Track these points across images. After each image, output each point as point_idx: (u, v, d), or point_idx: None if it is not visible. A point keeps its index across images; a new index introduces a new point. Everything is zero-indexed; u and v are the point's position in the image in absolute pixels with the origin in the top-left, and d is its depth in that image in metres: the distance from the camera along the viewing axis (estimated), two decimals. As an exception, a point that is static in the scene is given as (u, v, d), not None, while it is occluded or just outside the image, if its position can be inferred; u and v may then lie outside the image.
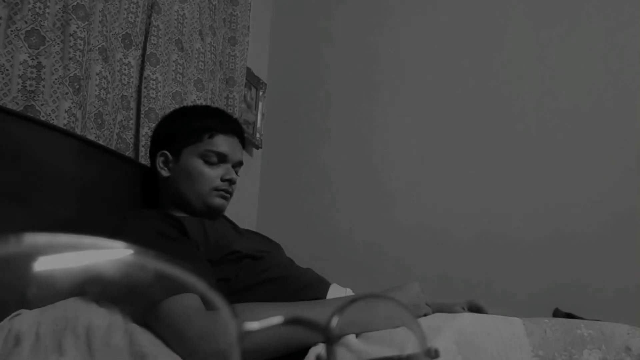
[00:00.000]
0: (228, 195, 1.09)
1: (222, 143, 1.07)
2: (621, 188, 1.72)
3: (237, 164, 1.11)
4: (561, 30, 1.87)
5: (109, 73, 1.21)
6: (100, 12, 1.18)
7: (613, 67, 1.80)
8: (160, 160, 1.09)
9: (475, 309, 1.05)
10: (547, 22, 1.90)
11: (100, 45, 1.18)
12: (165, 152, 1.09)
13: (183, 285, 0.67)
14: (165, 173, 1.08)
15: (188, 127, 1.08)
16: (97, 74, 1.17)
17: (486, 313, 1.00)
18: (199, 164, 1.05)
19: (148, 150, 1.34)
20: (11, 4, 0.97)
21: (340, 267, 1.82)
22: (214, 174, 1.05)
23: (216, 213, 1.09)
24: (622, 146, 1.74)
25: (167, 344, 0.72)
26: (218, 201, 1.07)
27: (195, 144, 1.06)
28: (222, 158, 1.07)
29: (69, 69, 1.05)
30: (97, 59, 1.17)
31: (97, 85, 1.17)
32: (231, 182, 1.07)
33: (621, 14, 1.80)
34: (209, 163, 1.05)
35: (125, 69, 1.31)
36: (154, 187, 1.16)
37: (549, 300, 1.60)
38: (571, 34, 1.86)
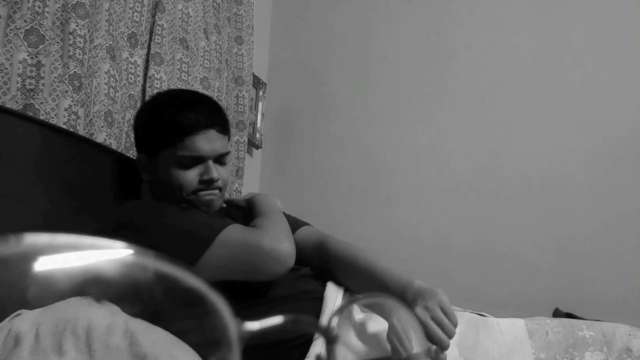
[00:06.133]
0: (213, 195, 1.00)
1: (194, 144, 0.96)
2: (622, 188, 1.72)
3: (221, 156, 1.01)
4: (563, 19, 1.87)
5: (117, 72, 1.21)
6: (106, 11, 1.19)
7: (610, 58, 1.80)
8: (140, 164, 1.03)
9: None
10: (547, 14, 1.89)
11: (107, 44, 1.18)
12: (144, 155, 1.02)
13: (217, 230, 0.81)
14: (146, 177, 1.03)
15: (159, 128, 0.98)
16: (105, 73, 1.17)
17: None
18: (174, 170, 0.97)
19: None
20: (10, 3, 0.97)
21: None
22: (190, 177, 0.97)
23: (208, 210, 1.02)
24: (625, 147, 1.74)
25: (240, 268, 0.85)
26: (203, 200, 0.99)
27: (168, 148, 0.97)
28: (197, 160, 0.97)
29: (68, 67, 1.05)
30: (105, 58, 1.17)
31: (105, 84, 1.17)
32: (211, 181, 0.98)
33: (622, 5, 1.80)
34: (185, 166, 0.97)
35: (131, 68, 1.32)
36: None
37: (549, 300, 1.59)
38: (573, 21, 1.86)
